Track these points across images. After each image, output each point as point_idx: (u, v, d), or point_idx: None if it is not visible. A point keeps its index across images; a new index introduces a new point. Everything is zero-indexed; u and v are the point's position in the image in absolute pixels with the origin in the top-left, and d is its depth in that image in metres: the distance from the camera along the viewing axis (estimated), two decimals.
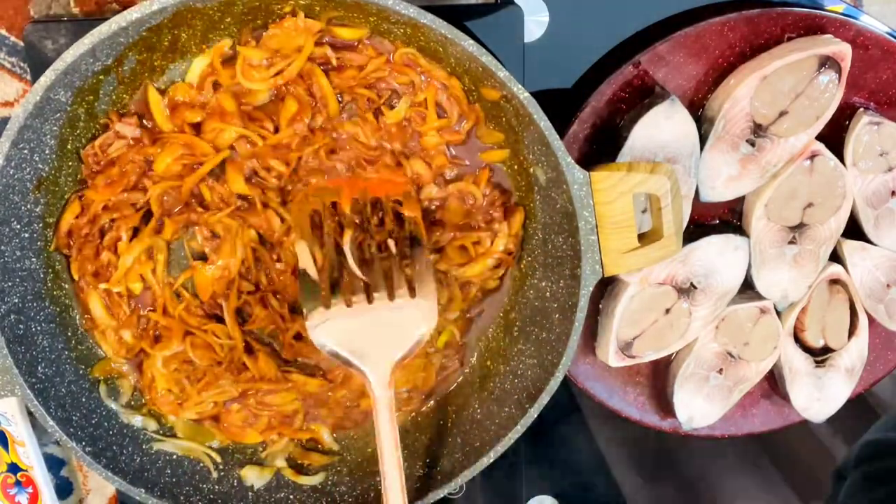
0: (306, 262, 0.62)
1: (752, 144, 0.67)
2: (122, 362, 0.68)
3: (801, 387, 0.74)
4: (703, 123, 0.67)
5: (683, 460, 0.85)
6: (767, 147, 0.67)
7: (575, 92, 0.70)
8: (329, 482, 0.70)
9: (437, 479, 0.66)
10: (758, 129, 0.67)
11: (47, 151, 0.61)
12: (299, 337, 0.67)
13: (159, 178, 0.64)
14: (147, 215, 0.65)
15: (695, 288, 0.70)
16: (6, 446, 0.67)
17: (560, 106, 0.66)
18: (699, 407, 0.74)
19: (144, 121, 0.64)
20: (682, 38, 0.65)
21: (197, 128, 0.63)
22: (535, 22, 0.69)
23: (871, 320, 0.74)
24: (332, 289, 0.61)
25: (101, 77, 0.60)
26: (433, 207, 0.67)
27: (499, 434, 0.65)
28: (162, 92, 0.63)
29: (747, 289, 0.72)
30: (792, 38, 0.66)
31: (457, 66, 0.62)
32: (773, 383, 0.76)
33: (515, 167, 0.67)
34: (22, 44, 0.67)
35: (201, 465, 0.69)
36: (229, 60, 0.63)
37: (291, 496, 0.69)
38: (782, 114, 0.66)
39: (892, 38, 0.67)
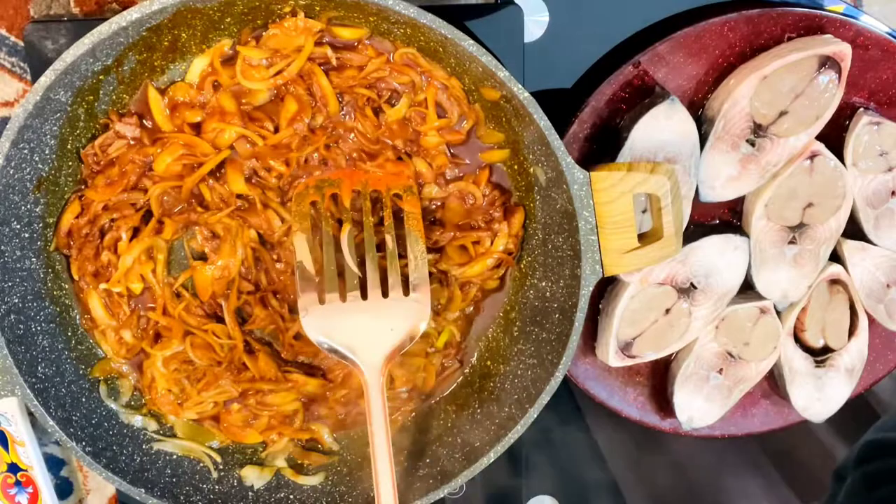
0: (303, 256, 0.62)
1: (752, 144, 0.67)
2: (122, 362, 0.68)
3: (801, 387, 0.74)
4: (703, 123, 0.67)
5: (683, 460, 0.85)
6: (767, 147, 0.67)
7: (575, 92, 0.70)
8: (329, 482, 0.70)
9: (437, 479, 0.66)
10: (758, 129, 0.67)
11: (47, 151, 0.61)
12: (299, 337, 0.67)
13: (159, 178, 0.64)
14: (147, 215, 0.65)
15: (695, 288, 0.70)
16: (6, 446, 0.67)
17: (560, 106, 0.66)
18: (699, 407, 0.74)
19: (144, 121, 0.64)
20: (682, 38, 0.65)
21: (197, 128, 0.63)
22: (535, 22, 0.69)
23: (871, 320, 0.74)
24: (327, 283, 0.62)
25: (101, 77, 0.60)
26: (433, 207, 0.67)
27: (499, 434, 0.65)
28: (162, 92, 0.63)
29: (747, 289, 0.72)
30: (792, 38, 0.66)
31: (457, 66, 0.62)
32: (773, 383, 0.76)
33: (515, 167, 0.67)
34: (22, 44, 0.67)
35: (201, 465, 0.69)
36: (229, 60, 0.63)
37: (291, 496, 0.69)
38: (782, 114, 0.66)
39: (892, 38, 0.67)
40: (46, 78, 0.55)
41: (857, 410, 0.80)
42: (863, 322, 0.74)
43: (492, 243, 0.67)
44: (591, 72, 0.70)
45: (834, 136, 0.69)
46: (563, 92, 0.70)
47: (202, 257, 0.66)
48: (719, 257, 0.70)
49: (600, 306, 0.72)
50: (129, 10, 0.55)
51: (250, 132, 0.63)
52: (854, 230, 0.72)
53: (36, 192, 0.61)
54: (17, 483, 0.68)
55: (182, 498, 0.66)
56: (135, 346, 0.67)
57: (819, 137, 0.68)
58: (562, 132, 0.65)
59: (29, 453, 0.67)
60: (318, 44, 0.62)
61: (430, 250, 0.67)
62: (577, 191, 0.59)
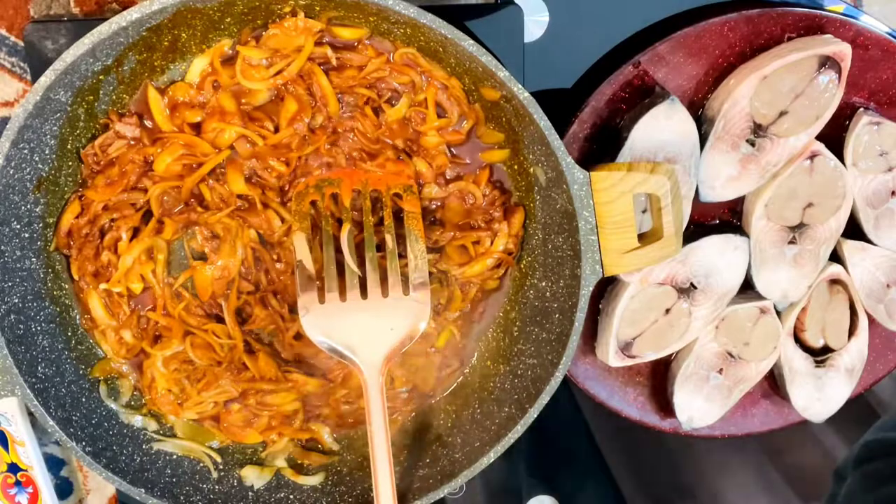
0: (303, 255, 0.62)
1: (752, 144, 0.67)
2: (122, 362, 0.68)
3: (801, 387, 0.74)
4: (703, 123, 0.67)
5: (683, 460, 0.85)
6: (767, 147, 0.67)
7: (575, 92, 0.70)
8: (329, 482, 0.70)
9: (437, 479, 0.66)
10: (758, 129, 0.67)
11: (47, 151, 0.61)
12: (299, 337, 0.67)
13: (159, 178, 0.64)
14: (147, 215, 0.65)
15: (695, 288, 0.70)
16: (6, 446, 0.67)
17: (560, 106, 0.66)
18: (699, 407, 0.74)
19: (145, 121, 0.64)
20: (682, 38, 0.65)
21: (197, 128, 0.63)
22: (535, 22, 0.69)
23: (871, 320, 0.74)
24: (327, 282, 0.62)
25: (101, 77, 0.60)
26: (433, 207, 0.67)
27: (499, 434, 0.65)
28: (162, 92, 0.63)
29: (747, 289, 0.72)
30: (792, 38, 0.66)
31: (457, 66, 0.62)
32: (773, 383, 0.76)
33: (515, 167, 0.67)
34: (22, 44, 0.67)
35: (201, 465, 0.69)
36: (229, 60, 0.63)
37: (291, 496, 0.69)
38: (782, 114, 0.66)
39: (892, 38, 0.67)
40: (46, 78, 0.55)
41: (857, 410, 0.80)
42: (863, 322, 0.74)
43: (492, 243, 0.67)
44: (591, 72, 0.70)
45: (834, 136, 0.69)
46: (563, 92, 0.70)
47: (203, 257, 0.66)
48: (719, 257, 0.70)
49: (600, 306, 0.72)
50: (129, 10, 0.55)
51: (250, 132, 0.63)
52: (854, 230, 0.72)
53: (36, 192, 0.61)
54: (17, 483, 0.68)
55: (182, 498, 0.66)
56: (135, 346, 0.67)
57: (819, 137, 0.68)
58: (562, 132, 0.65)
59: (29, 453, 0.67)
60: (318, 44, 0.62)
61: (430, 250, 0.67)
62: (577, 191, 0.59)
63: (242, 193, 0.64)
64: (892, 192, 0.71)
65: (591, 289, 0.61)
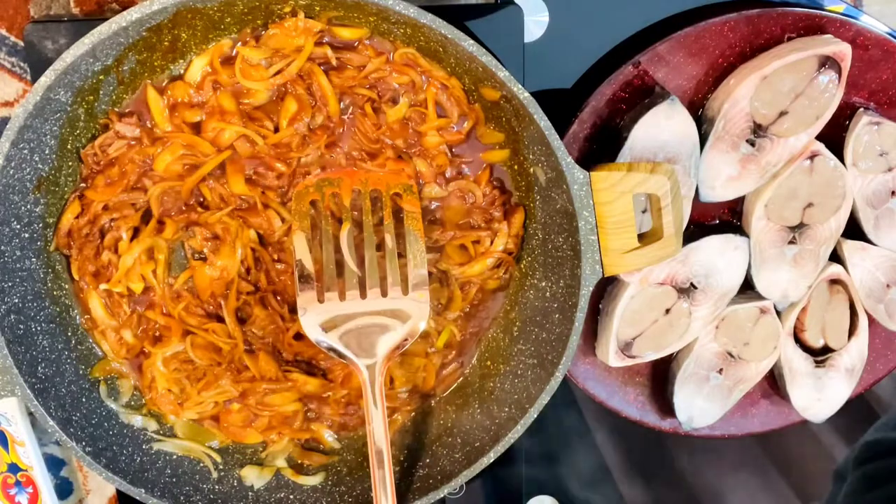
0: (303, 255, 0.62)
1: (752, 144, 0.67)
2: (122, 362, 0.68)
3: (801, 387, 0.74)
4: (703, 123, 0.67)
5: (683, 460, 0.85)
6: (767, 147, 0.67)
7: (575, 92, 0.70)
8: (329, 482, 0.70)
9: (437, 479, 0.66)
10: (758, 129, 0.67)
11: (47, 151, 0.61)
12: (299, 337, 0.67)
13: (159, 178, 0.64)
14: (147, 215, 0.65)
15: (695, 288, 0.70)
16: (6, 446, 0.67)
17: (560, 106, 0.66)
18: (699, 407, 0.74)
19: (146, 121, 0.64)
20: (682, 38, 0.65)
21: (196, 128, 0.63)
22: (535, 22, 0.69)
23: (871, 320, 0.74)
24: (327, 282, 0.62)
25: (101, 77, 0.60)
26: (433, 207, 0.67)
27: (499, 434, 0.65)
28: (161, 91, 0.63)
29: (747, 289, 0.72)
30: (792, 38, 0.66)
31: (457, 66, 0.62)
32: (773, 383, 0.76)
33: (515, 167, 0.67)
34: (22, 44, 0.67)
35: (201, 465, 0.69)
36: (229, 60, 0.63)
37: (291, 496, 0.69)
38: (782, 114, 0.66)
39: (892, 38, 0.67)
40: (46, 78, 0.55)
41: (857, 410, 0.80)
42: (863, 322, 0.74)
43: (492, 243, 0.67)
44: (591, 72, 0.70)
45: (834, 136, 0.69)
46: (563, 92, 0.70)
47: (204, 257, 0.66)
48: (719, 257, 0.70)
49: (600, 306, 0.72)
50: (129, 10, 0.55)
51: (250, 132, 0.63)
52: (854, 230, 0.72)
53: (36, 192, 0.61)
54: (17, 483, 0.68)
55: (182, 498, 0.66)
56: (135, 346, 0.67)
57: (819, 137, 0.68)
58: (562, 132, 0.65)
59: (29, 453, 0.67)
60: (319, 44, 0.62)
61: (429, 250, 0.67)
62: (577, 191, 0.59)
63: (242, 194, 0.64)
64: (892, 192, 0.71)
65: (591, 289, 0.61)
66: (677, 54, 0.66)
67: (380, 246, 0.63)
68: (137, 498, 0.64)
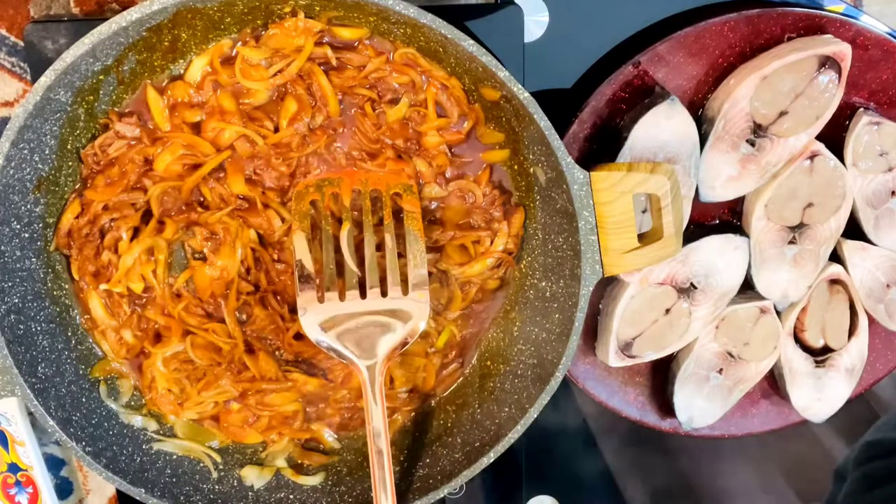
0: (302, 254, 0.62)
1: (752, 144, 0.67)
2: (122, 362, 0.68)
3: (801, 387, 0.74)
4: (703, 123, 0.67)
5: (683, 460, 0.85)
6: (767, 147, 0.67)
7: (575, 92, 0.70)
8: (329, 482, 0.70)
9: (437, 479, 0.66)
10: (758, 129, 0.67)
11: (47, 151, 0.61)
12: (300, 337, 0.67)
13: (159, 178, 0.64)
14: (147, 215, 0.65)
15: (695, 288, 0.70)
16: (6, 446, 0.67)
17: (560, 106, 0.66)
18: (699, 407, 0.74)
19: (145, 121, 0.64)
20: (682, 38, 0.65)
21: (196, 128, 0.63)
22: (535, 22, 0.69)
23: (871, 320, 0.74)
24: (326, 282, 0.62)
25: (101, 77, 0.60)
26: (433, 207, 0.67)
27: (499, 434, 0.65)
28: (161, 91, 0.63)
29: (747, 289, 0.72)
30: (792, 38, 0.66)
31: (457, 66, 0.62)
32: (773, 383, 0.76)
33: (515, 167, 0.67)
34: (22, 44, 0.67)
35: (201, 465, 0.69)
36: (229, 60, 0.63)
37: (291, 496, 0.69)
38: (782, 114, 0.66)
39: (892, 38, 0.67)
40: (46, 78, 0.55)
41: (857, 410, 0.80)
42: (863, 322, 0.74)
43: (492, 243, 0.67)
44: (591, 72, 0.70)
45: (834, 136, 0.69)
46: (563, 92, 0.70)
47: (204, 257, 0.66)
48: (719, 257, 0.70)
49: (600, 306, 0.72)
50: (129, 10, 0.55)
51: (250, 132, 0.63)
52: (854, 230, 0.72)
53: (36, 192, 0.61)
54: (17, 483, 0.68)
55: (182, 498, 0.66)
56: (135, 346, 0.67)
57: (819, 137, 0.68)
58: (562, 132, 0.65)
59: (29, 453, 0.67)
60: (319, 44, 0.62)
61: (429, 250, 0.67)
62: (577, 191, 0.59)
63: (242, 194, 0.64)
64: (892, 192, 0.71)
65: (591, 289, 0.61)
66: (677, 54, 0.66)
67: (380, 246, 0.63)
68: (137, 498, 0.64)
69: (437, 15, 0.56)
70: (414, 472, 0.68)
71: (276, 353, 0.68)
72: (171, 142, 0.63)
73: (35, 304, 0.63)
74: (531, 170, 0.64)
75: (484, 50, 0.57)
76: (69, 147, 0.62)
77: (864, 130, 0.68)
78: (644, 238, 0.61)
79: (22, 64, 0.68)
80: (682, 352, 0.74)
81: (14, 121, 0.56)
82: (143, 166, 0.64)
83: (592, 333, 0.73)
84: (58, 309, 0.65)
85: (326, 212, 0.64)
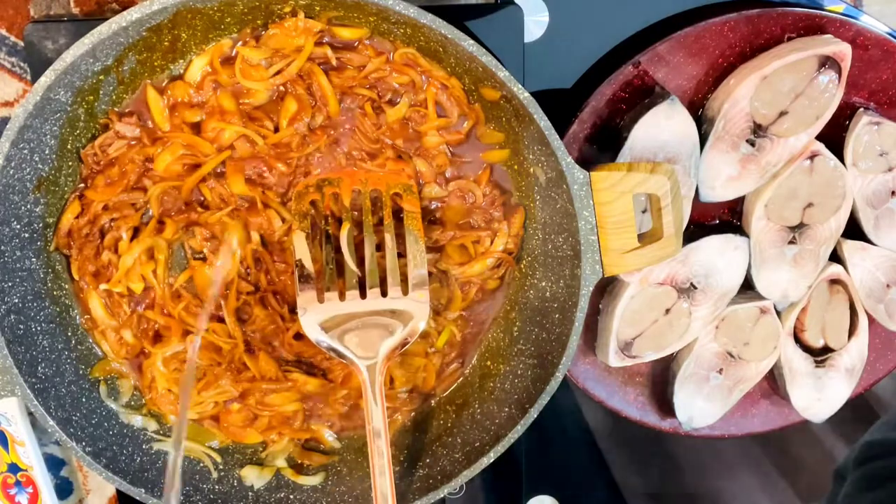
0: (302, 254, 0.62)
1: (752, 144, 0.67)
2: (122, 362, 0.68)
3: (801, 387, 0.74)
4: (703, 123, 0.67)
5: (683, 460, 0.85)
6: (767, 147, 0.67)
7: (575, 92, 0.70)
8: (329, 482, 0.70)
9: (437, 479, 0.66)
10: (758, 129, 0.67)
11: (47, 151, 0.61)
12: (299, 337, 0.67)
13: (159, 178, 0.64)
14: (147, 215, 0.65)
15: (695, 288, 0.70)
16: (6, 446, 0.67)
17: (560, 106, 0.66)
18: (699, 407, 0.74)
19: (145, 121, 0.64)
20: (682, 38, 0.65)
21: (196, 128, 0.63)
22: (535, 22, 0.69)
23: (871, 320, 0.74)
24: (326, 282, 0.62)
25: (101, 77, 0.60)
26: (433, 206, 0.67)
27: (499, 434, 0.65)
28: (161, 91, 0.63)
29: (747, 289, 0.72)
30: (792, 38, 0.66)
31: (457, 66, 0.62)
32: (773, 383, 0.76)
33: (515, 167, 0.67)
34: (22, 44, 0.67)
35: (201, 465, 0.69)
36: (229, 60, 0.63)
37: (291, 496, 0.69)
38: (782, 114, 0.66)
39: (892, 38, 0.67)
40: (46, 78, 0.55)
41: (857, 410, 0.80)
42: (863, 322, 0.74)
43: (492, 243, 0.67)
44: (591, 72, 0.70)
45: (834, 136, 0.69)
46: (563, 92, 0.70)
47: (204, 257, 0.66)
48: (719, 257, 0.70)
49: (600, 306, 0.72)
50: (129, 10, 0.55)
51: (250, 132, 0.63)
52: (854, 230, 0.72)
53: (36, 192, 0.61)
54: (17, 483, 0.68)
55: (182, 498, 0.66)
56: (135, 346, 0.67)
57: (819, 137, 0.68)
58: (562, 132, 0.65)
59: (29, 453, 0.67)
60: (319, 44, 0.62)
61: (429, 249, 0.67)
62: (577, 191, 0.59)
63: (242, 194, 0.64)
64: (892, 192, 0.71)
65: (591, 289, 0.61)
66: (677, 54, 0.66)
67: (380, 246, 0.63)
68: (137, 498, 0.64)
69: (437, 15, 0.56)
70: (414, 472, 0.68)
71: (276, 353, 0.68)
72: (171, 142, 0.63)
73: (35, 304, 0.63)
74: (531, 170, 0.64)
75: (484, 50, 0.57)
76: (69, 147, 0.62)
77: (864, 130, 0.68)
78: (644, 238, 0.61)
79: (22, 64, 0.68)
80: (682, 352, 0.74)
81: (14, 121, 0.56)
82: (143, 166, 0.64)
83: (592, 333, 0.73)
84: (58, 309, 0.65)
85: (326, 212, 0.64)
